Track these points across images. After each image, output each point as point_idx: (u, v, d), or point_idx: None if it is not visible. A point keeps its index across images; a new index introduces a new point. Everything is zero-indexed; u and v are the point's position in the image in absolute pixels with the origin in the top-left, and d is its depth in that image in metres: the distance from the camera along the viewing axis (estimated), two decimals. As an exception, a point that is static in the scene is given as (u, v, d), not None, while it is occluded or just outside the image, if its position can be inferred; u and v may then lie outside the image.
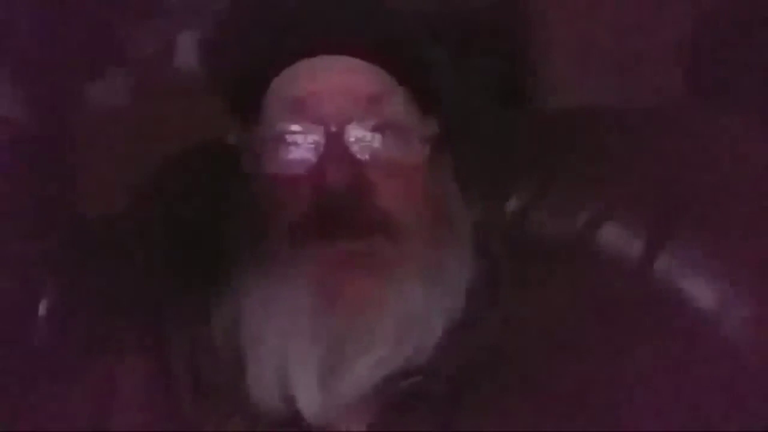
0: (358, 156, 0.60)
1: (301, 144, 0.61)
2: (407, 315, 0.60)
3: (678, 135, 0.78)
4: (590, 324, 0.63)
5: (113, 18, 0.93)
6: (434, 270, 0.61)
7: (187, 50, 0.85)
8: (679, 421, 0.60)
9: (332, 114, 0.60)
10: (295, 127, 0.61)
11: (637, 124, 0.79)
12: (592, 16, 0.95)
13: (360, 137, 0.60)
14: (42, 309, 0.66)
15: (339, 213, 0.58)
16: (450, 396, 0.60)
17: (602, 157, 0.76)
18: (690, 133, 0.78)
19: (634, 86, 0.93)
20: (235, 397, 0.61)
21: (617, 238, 0.73)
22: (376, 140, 0.61)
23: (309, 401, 0.59)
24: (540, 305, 0.64)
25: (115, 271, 0.69)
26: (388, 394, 0.60)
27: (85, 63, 0.89)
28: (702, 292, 0.70)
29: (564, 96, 0.92)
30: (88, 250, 0.70)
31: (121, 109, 0.95)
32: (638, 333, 0.63)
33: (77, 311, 0.67)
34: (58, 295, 0.66)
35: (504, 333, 0.62)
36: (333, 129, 0.60)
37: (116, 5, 0.92)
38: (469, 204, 0.71)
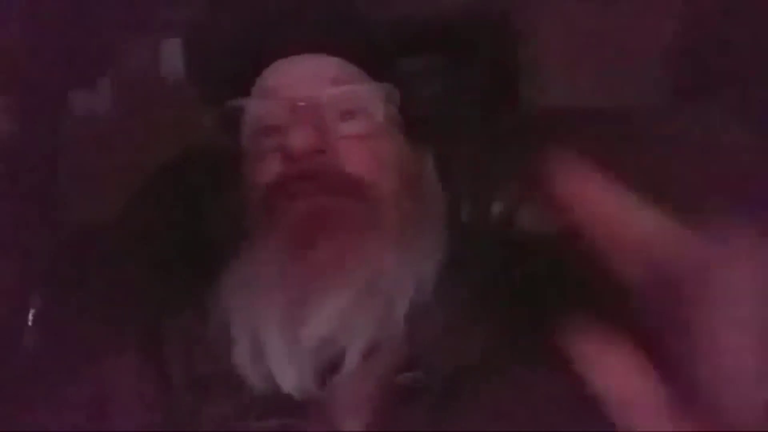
0: (325, 126, 0.63)
1: (271, 119, 0.64)
2: (372, 269, 0.60)
3: (664, 135, 0.79)
4: (579, 323, 0.63)
5: (102, 27, 0.92)
6: (405, 236, 0.63)
7: (176, 58, 0.85)
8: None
9: (299, 93, 0.64)
10: (267, 110, 0.65)
11: (624, 125, 0.80)
12: (581, 18, 0.96)
13: (325, 111, 0.63)
14: (38, 311, 0.66)
15: (305, 175, 0.61)
16: (448, 394, 0.60)
17: (589, 157, 0.77)
18: (673, 135, 0.79)
19: (622, 88, 0.94)
20: (230, 388, 0.62)
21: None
22: (341, 111, 0.64)
23: (282, 372, 0.59)
24: (531, 305, 0.64)
25: (112, 273, 0.69)
26: (386, 392, 0.60)
27: (73, 72, 0.88)
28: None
29: (552, 97, 0.93)
30: (84, 252, 0.70)
31: (111, 116, 0.95)
32: (627, 331, 0.64)
33: (73, 313, 0.66)
34: (54, 297, 0.66)
35: (499, 332, 0.62)
36: (300, 105, 0.63)
37: (105, 15, 0.92)
38: (457, 205, 0.72)
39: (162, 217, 0.75)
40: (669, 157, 0.77)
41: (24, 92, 0.78)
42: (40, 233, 0.70)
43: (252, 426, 0.60)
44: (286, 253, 0.60)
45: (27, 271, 0.68)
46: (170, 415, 0.62)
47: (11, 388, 0.64)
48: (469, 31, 0.83)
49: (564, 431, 0.58)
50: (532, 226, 0.76)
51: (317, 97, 0.63)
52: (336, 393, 0.60)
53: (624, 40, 0.96)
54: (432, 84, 0.76)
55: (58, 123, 0.83)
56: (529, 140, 0.80)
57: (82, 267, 0.69)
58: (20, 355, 0.66)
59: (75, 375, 0.64)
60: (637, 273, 0.29)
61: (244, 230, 0.64)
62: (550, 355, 0.59)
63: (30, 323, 0.66)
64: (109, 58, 0.94)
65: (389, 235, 0.62)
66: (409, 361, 0.61)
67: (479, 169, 0.78)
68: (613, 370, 0.29)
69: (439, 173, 0.70)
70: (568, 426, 0.58)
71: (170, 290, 0.68)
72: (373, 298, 0.60)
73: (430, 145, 0.70)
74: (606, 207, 0.29)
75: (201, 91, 0.71)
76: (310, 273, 0.59)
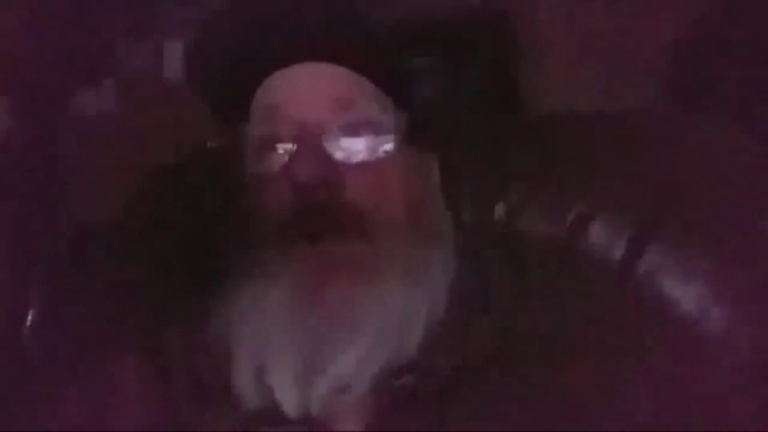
0: (331, 155, 0.63)
1: (277, 146, 0.63)
2: (386, 315, 0.61)
3: (662, 138, 0.78)
4: (578, 326, 0.64)
5: (104, 26, 0.92)
6: (413, 269, 0.63)
7: (177, 59, 0.86)
8: (664, 421, 0.62)
9: (305, 117, 0.63)
10: (271, 130, 0.64)
11: (623, 128, 0.80)
12: (581, 22, 0.96)
13: (332, 137, 0.63)
14: (38, 311, 0.66)
15: (313, 212, 0.60)
16: (445, 396, 0.61)
17: (589, 159, 0.77)
18: (674, 137, 0.78)
19: (622, 88, 0.94)
20: (230, 396, 0.62)
21: (603, 240, 0.74)
22: (347, 139, 0.63)
23: (287, 401, 0.60)
24: (530, 307, 0.65)
25: (113, 274, 0.69)
26: (383, 394, 0.61)
27: (75, 71, 0.88)
28: (683, 292, 0.70)
29: (552, 101, 0.93)
30: (85, 253, 0.70)
31: (112, 117, 0.94)
32: (623, 334, 0.64)
33: (74, 314, 0.67)
34: (54, 298, 0.66)
35: (496, 335, 0.63)
36: (306, 130, 0.62)
37: (107, 14, 0.92)
38: (459, 208, 0.72)
39: (164, 220, 0.75)
40: (668, 158, 0.76)
41: (24, 92, 0.78)
42: (41, 234, 0.70)
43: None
44: (297, 300, 0.61)
45: (27, 272, 0.68)
46: (171, 418, 0.62)
47: (11, 389, 0.64)
48: (470, 32, 0.83)
49: (564, 431, 0.59)
50: (535, 229, 0.76)
51: (322, 121, 0.63)
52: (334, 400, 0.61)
53: (624, 41, 0.96)
54: (432, 85, 0.76)
55: (59, 123, 0.84)
56: (530, 142, 0.80)
57: (83, 268, 0.70)
58: (20, 356, 0.66)
59: (75, 376, 0.64)
60: None
61: (252, 254, 0.64)
62: (552, 356, 0.60)
63: (30, 324, 0.66)
64: (111, 58, 0.94)
65: (400, 274, 0.62)
66: (407, 364, 0.61)
67: (481, 171, 0.78)
68: None
69: (441, 176, 0.70)
70: (558, 426, 0.59)
71: (171, 293, 0.68)
72: (387, 342, 0.61)
73: (433, 150, 0.70)
74: None
75: (201, 95, 0.71)
76: (323, 322, 0.60)
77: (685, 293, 0.70)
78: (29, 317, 0.67)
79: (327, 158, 0.62)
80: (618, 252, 0.73)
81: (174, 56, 0.93)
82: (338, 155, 0.63)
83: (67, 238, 0.72)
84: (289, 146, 0.63)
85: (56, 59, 0.83)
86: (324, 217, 0.60)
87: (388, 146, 0.64)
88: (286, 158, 0.63)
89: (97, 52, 0.91)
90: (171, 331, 0.67)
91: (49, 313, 0.67)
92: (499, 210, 0.76)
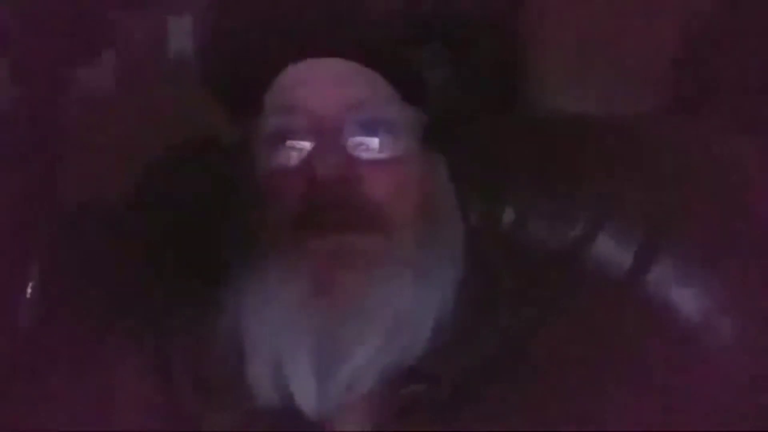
0: (348, 152, 0.63)
1: (295, 143, 0.63)
2: (397, 309, 0.61)
3: (666, 143, 0.79)
4: (584, 331, 0.65)
5: (105, 1, 0.91)
6: (423, 267, 0.63)
7: (182, 35, 0.84)
8: (669, 427, 0.62)
9: (323, 113, 0.63)
10: (287, 126, 0.64)
11: (627, 132, 0.80)
12: (588, 23, 0.96)
13: (349, 136, 0.63)
14: (36, 305, 0.65)
15: (330, 205, 0.60)
16: (451, 402, 0.61)
17: (597, 165, 0.77)
18: (677, 141, 0.79)
19: (629, 94, 0.94)
20: (235, 395, 0.62)
21: (609, 249, 0.74)
22: (365, 138, 0.63)
23: (305, 395, 0.61)
24: (536, 315, 0.65)
25: (114, 269, 0.69)
26: (390, 399, 0.62)
27: (76, 46, 0.87)
28: (688, 304, 0.71)
29: (560, 104, 0.93)
30: (85, 243, 0.70)
31: (113, 96, 0.93)
32: (628, 340, 0.65)
33: (72, 308, 0.67)
34: (52, 290, 0.66)
35: (503, 341, 0.64)
36: (324, 126, 0.63)
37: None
38: (466, 211, 0.72)
39: (171, 211, 0.74)
40: (671, 164, 0.76)
41: (22, 69, 0.77)
42: (40, 219, 0.70)
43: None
44: (308, 294, 0.61)
45: (25, 258, 0.68)
46: (173, 417, 0.62)
47: (9, 388, 0.64)
48: (471, 32, 0.83)
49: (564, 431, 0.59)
50: (541, 234, 0.75)
51: (340, 117, 0.63)
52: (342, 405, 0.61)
53: (626, 44, 0.96)
54: (435, 85, 0.76)
55: (59, 100, 0.82)
56: (535, 144, 0.79)
57: (83, 259, 0.69)
58: (17, 352, 0.65)
59: (75, 374, 0.64)
60: None
61: (264, 248, 0.64)
62: (556, 361, 0.61)
63: (26, 316, 0.65)
64: (112, 34, 0.93)
65: (411, 270, 0.62)
66: (414, 371, 0.62)
67: (486, 174, 0.78)
68: None
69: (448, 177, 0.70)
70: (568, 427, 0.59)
71: (176, 288, 0.68)
72: (396, 338, 0.61)
73: (439, 150, 0.70)
74: None
75: (212, 89, 0.70)
76: (335, 316, 0.60)
77: (690, 301, 0.71)
78: (26, 309, 0.67)
79: (345, 154, 0.62)
80: (624, 260, 0.73)
81: (180, 31, 0.91)
82: (356, 151, 0.63)
83: (66, 226, 0.71)
84: (307, 142, 0.63)
85: (56, 33, 0.82)
86: (339, 210, 0.61)
87: (404, 143, 0.64)
88: (303, 154, 0.63)
89: (99, 27, 0.89)
90: (175, 328, 0.66)
91: (46, 307, 0.67)
92: (507, 214, 0.76)
